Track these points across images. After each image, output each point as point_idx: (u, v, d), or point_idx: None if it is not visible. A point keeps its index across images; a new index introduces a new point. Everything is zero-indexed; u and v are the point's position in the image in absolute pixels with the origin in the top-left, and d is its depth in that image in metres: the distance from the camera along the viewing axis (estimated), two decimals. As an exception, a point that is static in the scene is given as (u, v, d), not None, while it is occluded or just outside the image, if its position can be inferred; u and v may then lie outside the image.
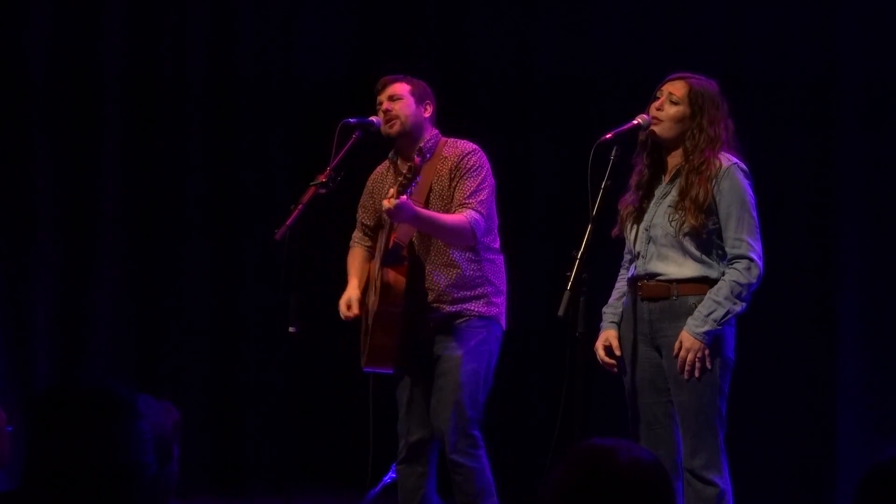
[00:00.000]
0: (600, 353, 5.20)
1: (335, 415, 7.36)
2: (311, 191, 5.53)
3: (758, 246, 5.01)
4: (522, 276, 7.08)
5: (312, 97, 7.23)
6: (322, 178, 5.54)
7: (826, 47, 6.88)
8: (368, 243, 5.87)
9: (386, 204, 5.31)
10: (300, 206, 5.49)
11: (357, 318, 5.69)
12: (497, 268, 5.69)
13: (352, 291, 5.73)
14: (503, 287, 5.70)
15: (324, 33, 7.28)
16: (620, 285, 5.27)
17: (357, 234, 5.92)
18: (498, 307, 5.67)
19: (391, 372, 5.68)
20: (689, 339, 4.94)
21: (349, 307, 5.68)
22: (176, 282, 7.31)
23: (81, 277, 7.28)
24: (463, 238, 5.53)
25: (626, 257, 5.27)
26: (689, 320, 4.95)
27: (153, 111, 7.30)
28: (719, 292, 4.96)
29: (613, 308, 5.24)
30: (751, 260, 4.97)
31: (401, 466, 5.73)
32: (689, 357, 4.94)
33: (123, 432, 2.74)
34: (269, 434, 7.28)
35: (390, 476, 6.04)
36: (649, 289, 5.08)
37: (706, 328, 4.93)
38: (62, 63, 7.26)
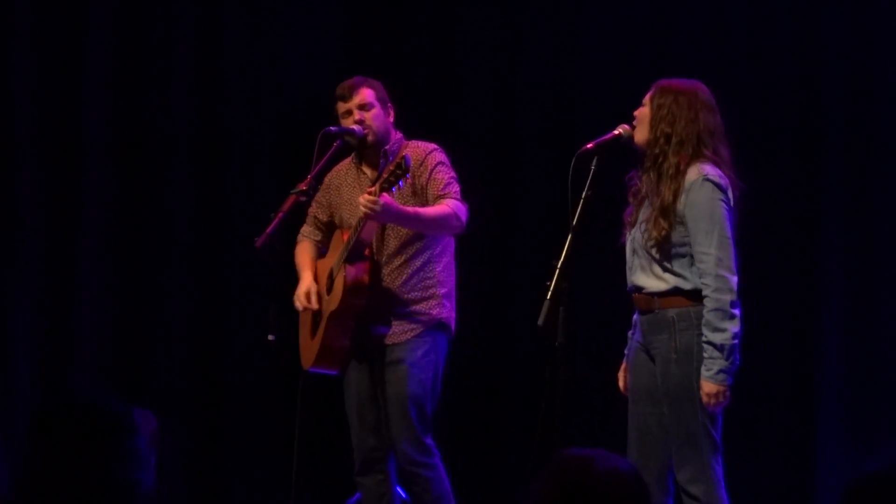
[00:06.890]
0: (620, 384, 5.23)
1: (316, 425, 7.33)
2: (291, 199, 5.52)
3: (725, 256, 4.88)
4: (504, 285, 7.10)
5: (298, 112, 7.20)
6: (302, 187, 5.53)
7: (813, 65, 6.87)
8: (318, 237, 5.88)
9: (368, 205, 5.29)
10: (280, 214, 5.49)
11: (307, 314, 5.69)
12: (450, 271, 5.70)
13: (310, 283, 5.71)
14: (454, 291, 5.70)
15: (311, 51, 7.26)
16: None
17: (307, 229, 5.91)
18: (448, 310, 5.67)
19: (336, 373, 5.68)
20: (707, 384, 4.89)
21: (308, 299, 5.67)
22: (159, 292, 7.26)
23: (65, 290, 7.23)
24: (449, 226, 5.55)
25: None
26: (702, 368, 4.91)
27: (139, 123, 7.25)
28: (704, 332, 4.89)
29: None
30: (717, 276, 4.87)
31: (359, 478, 5.72)
32: (713, 402, 4.90)
33: (119, 449, 2.70)
34: (250, 446, 7.25)
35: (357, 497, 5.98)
36: (638, 301, 5.06)
37: (716, 368, 4.89)
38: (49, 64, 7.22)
